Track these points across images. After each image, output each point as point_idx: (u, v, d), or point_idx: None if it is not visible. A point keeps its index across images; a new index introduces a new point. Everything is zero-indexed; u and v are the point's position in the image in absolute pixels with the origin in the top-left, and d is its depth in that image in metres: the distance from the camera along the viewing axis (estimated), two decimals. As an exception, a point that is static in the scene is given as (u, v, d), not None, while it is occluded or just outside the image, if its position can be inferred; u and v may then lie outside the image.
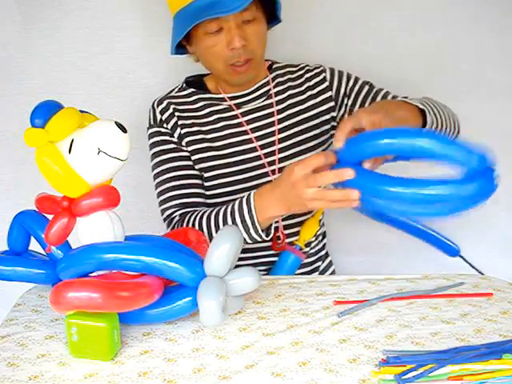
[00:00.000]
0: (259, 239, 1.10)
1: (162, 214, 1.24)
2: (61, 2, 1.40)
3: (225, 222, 1.10)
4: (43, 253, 0.97)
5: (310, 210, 1.07)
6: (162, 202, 1.24)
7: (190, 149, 1.25)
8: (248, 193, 1.09)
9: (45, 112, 0.83)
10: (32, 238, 0.99)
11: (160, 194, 1.24)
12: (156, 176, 1.26)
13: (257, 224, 1.07)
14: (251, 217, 1.06)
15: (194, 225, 1.14)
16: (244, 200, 1.08)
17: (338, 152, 0.93)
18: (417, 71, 1.47)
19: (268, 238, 1.11)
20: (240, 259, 1.02)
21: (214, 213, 1.12)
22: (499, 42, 1.47)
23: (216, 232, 1.09)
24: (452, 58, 1.47)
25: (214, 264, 0.87)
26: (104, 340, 0.82)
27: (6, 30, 1.41)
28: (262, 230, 1.08)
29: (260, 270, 1.27)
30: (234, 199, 1.12)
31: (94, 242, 0.87)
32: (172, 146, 1.25)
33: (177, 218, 1.19)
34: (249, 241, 1.10)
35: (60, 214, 0.86)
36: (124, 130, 0.84)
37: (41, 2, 1.40)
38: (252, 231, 1.08)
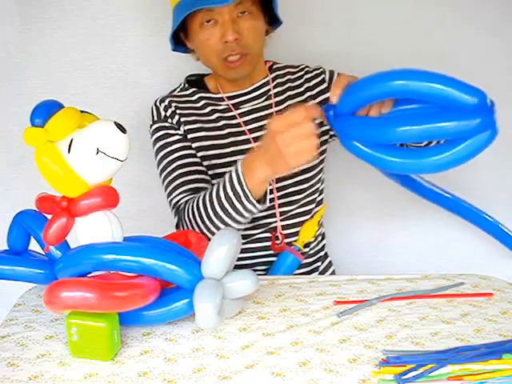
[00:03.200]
0: (254, 210, 1.04)
1: (170, 205, 1.22)
2: (61, 2, 1.40)
3: (218, 197, 1.05)
4: (43, 253, 0.97)
5: (293, 170, 1.02)
6: (169, 193, 1.22)
7: (194, 146, 1.24)
8: (236, 162, 1.05)
9: (45, 112, 0.83)
10: (32, 238, 0.99)
11: (168, 185, 1.22)
12: (163, 169, 1.24)
13: (247, 191, 1.02)
14: (240, 183, 1.02)
15: (193, 207, 1.11)
16: (233, 169, 1.04)
17: (335, 106, 0.92)
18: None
19: (263, 208, 1.06)
20: (239, 259, 1.02)
21: (208, 192, 1.09)
22: (499, 42, 1.47)
23: (212, 211, 1.07)
24: (452, 57, 1.47)
25: (211, 266, 0.87)
26: (104, 340, 0.82)
27: (5, 30, 1.41)
28: (256, 200, 1.03)
29: (259, 270, 1.27)
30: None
31: (92, 243, 0.87)
32: (177, 137, 1.24)
33: (182, 206, 1.17)
34: (246, 214, 1.05)
35: (58, 213, 0.86)
36: (123, 131, 0.84)
37: (41, 2, 1.40)
38: (244, 200, 1.03)
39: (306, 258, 1.30)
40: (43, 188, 0.90)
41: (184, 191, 1.20)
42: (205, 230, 1.09)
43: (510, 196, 1.56)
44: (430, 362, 0.79)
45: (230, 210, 1.06)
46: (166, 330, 0.91)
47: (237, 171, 1.03)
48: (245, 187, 1.02)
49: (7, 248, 0.99)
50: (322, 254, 1.36)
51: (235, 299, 0.91)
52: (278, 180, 1.24)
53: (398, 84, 0.84)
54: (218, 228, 1.08)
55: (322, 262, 1.36)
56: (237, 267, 0.93)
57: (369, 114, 0.91)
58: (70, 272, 0.87)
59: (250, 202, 1.03)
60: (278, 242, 1.26)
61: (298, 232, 1.27)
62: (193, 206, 1.12)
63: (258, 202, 1.04)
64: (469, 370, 0.77)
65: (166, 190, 1.24)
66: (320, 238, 1.35)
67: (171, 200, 1.22)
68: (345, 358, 0.82)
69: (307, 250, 1.30)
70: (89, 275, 0.88)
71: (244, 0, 1.15)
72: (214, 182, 1.24)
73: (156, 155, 1.27)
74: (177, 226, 1.18)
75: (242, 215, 1.06)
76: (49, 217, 0.87)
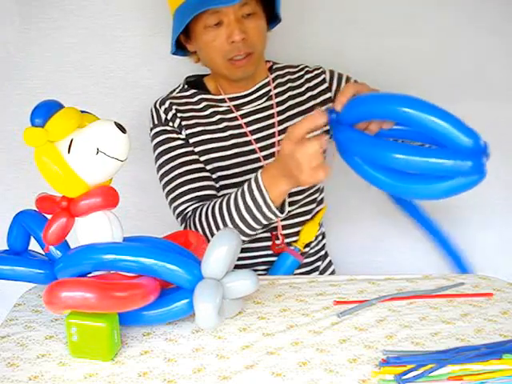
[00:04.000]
0: (274, 218, 1.07)
1: (174, 212, 1.21)
2: (61, 2, 1.40)
3: (236, 206, 1.07)
4: (43, 253, 0.97)
5: (315, 184, 1.04)
6: (173, 200, 1.21)
7: (196, 150, 1.23)
8: (255, 173, 1.06)
9: (45, 112, 0.83)
10: (32, 238, 0.99)
11: (170, 191, 1.21)
12: (164, 174, 1.23)
13: (269, 201, 1.03)
14: (262, 195, 1.04)
15: (206, 216, 1.11)
16: (252, 180, 1.06)
17: (338, 114, 0.94)
18: (417, 71, 1.47)
19: (283, 216, 1.08)
20: (239, 259, 1.02)
21: (225, 200, 1.10)
22: (499, 42, 1.47)
23: (229, 219, 1.08)
24: (452, 58, 1.47)
25: (211, 266, 0.87)
26: (104, 340, 0.82)
27: (5, 30, 1.41)
28: (276, 208, 1.05)
29: (259, 270, 1.27)
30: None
31: (92, 243, 0.87)
32: (179, 142, 1.23)
33: (190, 214, 1.17)
34: (264, 221, 1.07)
35: (58, 213, 0.86)
36: (123, 131, 0.84)
37: (41, 2, 1.40)
38: (265, 210, 1.05)
39: (306, 258, 1.30)
40: (43, 188, 0.90)
41: (190, 199, 1.19)
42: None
43: (509, 195, 1.57)
44: (430, 362, 0.78)
45: (250, 220, 1.07)
46: (166, 329, 0.91)
47: (257, 181, 1.04)
48: (267, 198, 1.04)
49: (7, 248, 0.99)
50: (323, 253, 1.36)
51: (235, 299, 0.91)
52: None
53: (403, 111, 0.85)
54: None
55: (322, 262, 1.36)
56: (237, 267, 0.93)
57: (368, 127, 0.93)
58: (70, 272, 0.87)
59: (271, 211, 1.05)
60: (278, 242, 1.26)
61: (298, 232, 1.27)
62: (206, 214, 1.12)
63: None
64: (469, 370, 0.77)
65: (168, 195, 1.23)
66: (320, 238, 1.35)
67: (176, 207, 1.21)
68: (345, 358, 0.82)
69: (307, 249, 1.30)
70: (89, 275, 0.88)
71: (249, 0, 1.15)
72: (218, 184, 1.24)
73: (157, 160, 1.25)
74: None
75: (261, 223, 1.08)
76: (49, 217, 0.87)
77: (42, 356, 0.85)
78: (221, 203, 1.10)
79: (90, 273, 0.88)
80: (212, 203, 1.13)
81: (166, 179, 1.23)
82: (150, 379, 0.79)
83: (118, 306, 0.84)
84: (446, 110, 0.83)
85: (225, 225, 1.09)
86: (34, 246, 0.99)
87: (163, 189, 1.24)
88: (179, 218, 1.21)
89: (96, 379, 0.80)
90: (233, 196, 1.09)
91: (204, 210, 1.13)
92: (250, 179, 1.07)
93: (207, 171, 1.23)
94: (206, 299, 0.83)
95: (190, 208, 1.18)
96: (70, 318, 0.83)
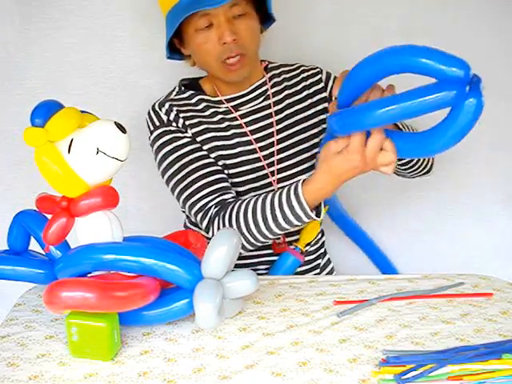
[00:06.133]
0: (309, 220, 1.06)
1: (192, 209, 1.18)
2: (61, 2, 1.40)
3: (273, 214, 1.05)
4: (43, 253, 0.97)
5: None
6: (188, 197, 1.18)
7: (205, 148, 1.22)
8: (295, 183, 1.05)
9: (45, 112, 0.83)
10: (32, 238, 0.99)
11: (184, 189, 1.18)
12: (174, 174, 1.19)
13: (310, 213, 1.03)
14: (303, 208, 1.02)
15: (238, 217, 1.09)
16: (291, 191, 1.04)
17: (338, 105, 0.94)
18: (417, 71, 1.47)
19: (320, 219, 1.07)
20: (239, 258, 1.02)
21: (259, 204, 1.08)
22: (499, 41, 1.47)
23: (264, 225, 1.07)
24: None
25: (211, 266, 0.87)
26: (104, 340, 0.82)
27: (5, 30, 1.41)
28: (312, 211, 1.04)
29: (259, 270, 1.27)
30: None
31: (92, 243, 0.87)
32: (186, 140, 1.21)
33: (213, 209, 1.15)
34: (297, 223, 1.06)
35: (58, 213, 0.86)
36: (123, 131, 0.84)
37: (41, 2, 1.40)
38: (304, 218, 1.04)
39: (307, 256, 1.30)
40: (43, 188, 0.90)
41: (210, 193, 1.16)
42: (248, 236, 1.10)
43: (509, 195, 1.57)
44: (429, 361, 0.79)
45: (285, 225, 1.06)
46: (166, 329, 0.91)
47: (297, 194, 1.03)
48: (307, 211, 1.03)
49: (7, 248, 0.99)
50: (322, 250, 1.36)
51: (235, 299, 0.92)
52: (280, 180, 1.24)
53: (392, 65, 0.88)
54: (261, 234, 1.09)
55: (322, 259, 1.36)
56: (237, 267, 0.94)
57: (370, 98, 0.92)
58: (70, 272, 0.87)
59: (308, 217, 1.04)
60: (279, 241, 1.26)
61: (299, 231, 1.27)
62: (238, 215, 1.10)
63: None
64: (469, 369, 0.77)
65: (180, 194, 1.19)
66: (320, 236, 1.35)
67: (193, 203, 1.18)
68: (345, 358, 0.82)
69: (307, 247, 1.29)
70: (89, 275, 0.88)
71: (238, 1, 1.15)
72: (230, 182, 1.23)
73: (163, 161, 1.21)
74: (206, 228, 1.16)
75: (294, 225, 1.07)
76: (49, 217, 0.88)
77: (42, 356, 0.85)
78: (254, 207, 1.08)
79: (90, 273, 0.88)
80: (244, 204, 1.10)
81: (178, 177, 1.19)
82: (150, 379, 0.80)
83: (118, 306, 0.84)
84: (427, 47, 0.86)
85: (258, 230, 1.08)
86: (34, 245, 0.99)
87: (174, 189, 1.21)
88: (200, 214, 1.17)
89: (96, 379, 0.80)
90: (268, 204, 1.07)
91: (235, 209, 1.11)
92: (288, 188, 1.05)
93: (219, 165, 1.22)
94: (206, 299, 0.84)
95: (212, 202, 1.16)
96: (70, 317, 0.83)
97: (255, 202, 1.09)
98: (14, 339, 0.89)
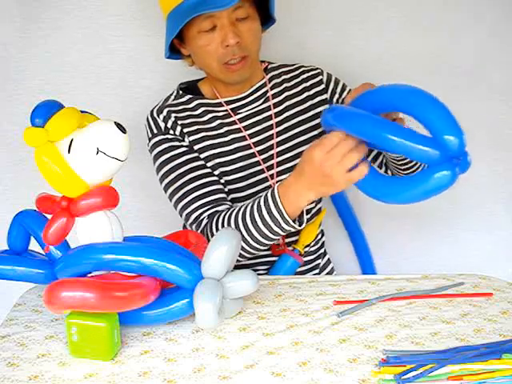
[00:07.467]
0: (293, 229, 1.07)
1: (188, 219, 1.19)
2: (61, 2, 1.40)
3: (253, 220, 1.06)
4: (43, 253, 0.97)
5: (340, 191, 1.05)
6: (184, 207, 1.19)
7: (202, 156, 1.22)
8: (271, 188, 1.06)
9: (45, 111, 0.83)
10: (32, 238, 0.99)
11: (180, 199, 1.19)
12: (171, 183, 1.20)
13: (286, 216, 1.03)
14: (279, 211, 1.03)
15: (223, 226, 1.11)
16: (269, 195, 1.05)
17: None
18: (416, 71, 1.47)
19: (302, 228, 1.08)
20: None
21: (240, 212, 1.09)
22: (499, 41, 1.47)
23: (246, 232, 1.08)
24: (452, 58, 1.47)
25: (211, 266, 0.87)
26: (104, 340, 0.82)
27: (5, 30, 1.41)
28: (294, 221, 1.05)
29: (260, 270, 1.27)
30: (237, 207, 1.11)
31: (92, 243, 0.87)
32: (183, 149, 1.21)
33: (205, 221, 1.16)
34: (282, 233, 1.07)
35: (58, 213, 0.86)
36: (123, 131, 0.84)
37: (41, 2, 1.40)
38: (283, 224, 1.05)
39: (306, 256, 1.30)
40: (43, 188, 0.90)
41: (203, 204, 1.17)
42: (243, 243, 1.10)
43: (509, 194, 1.57)
44: (429, 361, 0.79)
45: (267, 232, 1.07)
46: (166, 330, 0.91)
47: (274, 197, 1.04)
48: (284, 214, 1.03)
49: (7, 248, 0.99)
50: (322, 250, 1.36)
51: (235, 299, 0.92)
52: (279, 181, 1.24)
53: (398, 103, 0.87)
54: (248, 244, 1.09)
55: (322, 259, 1.36)
56: (237, 267, 0.94)
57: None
58: (70, 272, 0.87)
59: (289, 225, 1.05)
60: (278, 243, 1.26)
61: (298, 232, 1.27)
62: (223, 225, 1.11)
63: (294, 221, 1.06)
64: (469, 369, 0.77)
65: (177, 203, 1.20)
66: (320, 236, 1.35)
67: (188, 214, 1.19)
68: (345, 358, 0.83)
69: (307, 248, 1.29)
70: (89, 275, 0.88)
71: (242, 4, 1.14)
72: (227, 189, 1.23)
73: (160, 169, 1.22)
74: None
75: (278, 235, 1.08)
76: (49, 217, 0.88)
77: (42, 356, 0.85)
78: (236, 215, 1.09)
79: (90, 273, 0.88)
80: (228, 213, 1.11)
81: (174, 187, 1.20)
82: (150, 379, 0.80)
83: (118, 306, 0.84)
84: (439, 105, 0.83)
85: (243, 238, 1.09)
86: (34, 245, 0.99)
87: (170, 198, 1.22)
88: (194, 225, 1.19)
89: (96, 379, 0.80)
90: (248, 210, 1.08)
91: (221, 219, 1.12)
92: (266, 194, 1.06)
93: (215, 175, 1.22)
94: (206, 299, 0.84)
95: (205, 214, 1.17)
96: (70, 317, 0.83)
97: (237, 212, 1.10)
98: (14, 339, 0.89)
